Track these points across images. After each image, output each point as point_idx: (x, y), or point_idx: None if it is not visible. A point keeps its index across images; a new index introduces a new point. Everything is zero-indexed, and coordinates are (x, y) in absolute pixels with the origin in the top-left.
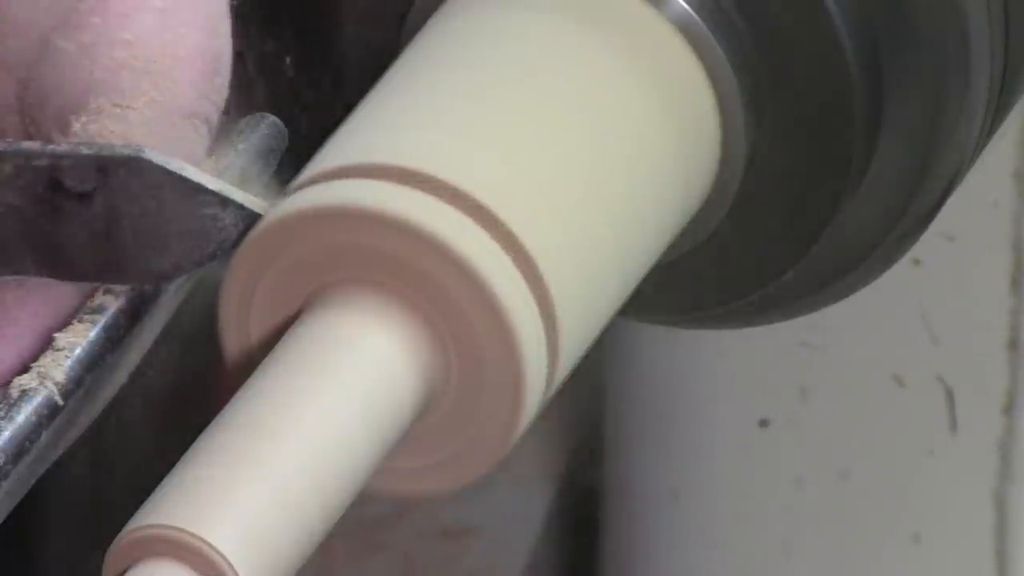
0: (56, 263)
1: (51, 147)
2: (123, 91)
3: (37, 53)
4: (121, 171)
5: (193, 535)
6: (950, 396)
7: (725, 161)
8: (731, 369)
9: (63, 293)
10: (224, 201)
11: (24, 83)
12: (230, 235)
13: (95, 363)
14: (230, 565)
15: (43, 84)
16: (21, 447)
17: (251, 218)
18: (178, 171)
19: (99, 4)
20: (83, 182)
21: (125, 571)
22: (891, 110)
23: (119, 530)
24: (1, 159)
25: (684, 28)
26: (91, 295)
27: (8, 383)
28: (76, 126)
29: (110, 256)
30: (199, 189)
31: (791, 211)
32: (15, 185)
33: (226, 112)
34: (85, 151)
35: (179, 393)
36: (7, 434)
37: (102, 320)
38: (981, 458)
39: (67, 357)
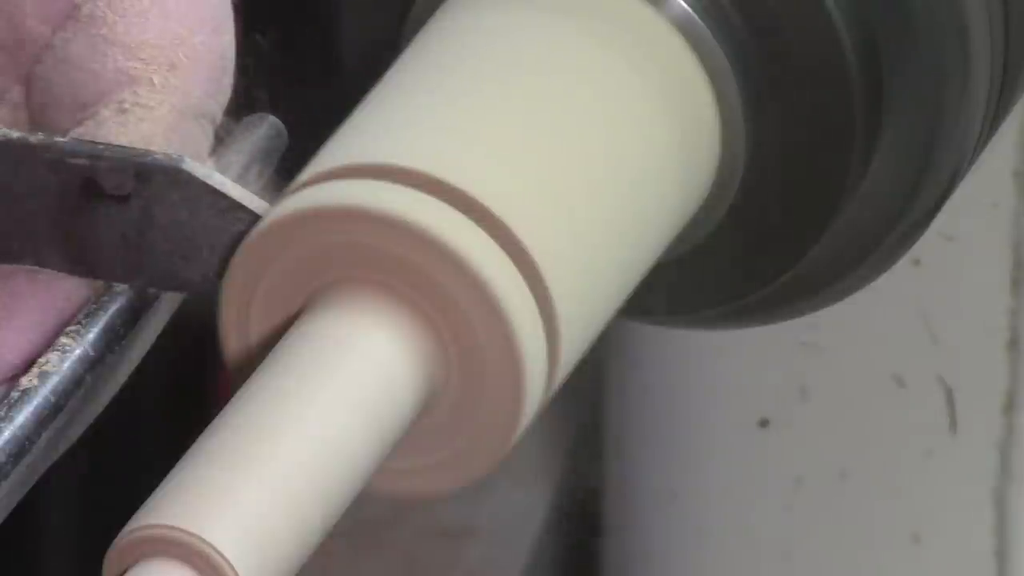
0: (81, 260)
1: (90, 147)
2: (133, 90)
3: (45, 50)
4: (159, 179)
5: (193, 535)
6: (950, 396)
7: (725, 161)
8: (731, 369)
9: (73, 292)
10: (259, 219)
11: (32, 80)
12: None
13: (95, 363)
14: (230, 565)
15: (51, 82)
16: (21, 447)
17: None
18: (217, 186)
19: (109, 3)
20: (120, 186)
21: (125, 571)
22: (891, 110)
23: (118, 531)
24: (38, 151)
25: (684, 28)
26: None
27: (15, 377)
28: (85, 124)
29: (138, 260)
30: (236, 206)
31: (791, 211)
32: (49, 179)
33: (227, 112)
34: (125, 155)
35: (179, 393)
36: (7, 434)
37: (102, 320)
38: (981, 458)
39: (67, 357)
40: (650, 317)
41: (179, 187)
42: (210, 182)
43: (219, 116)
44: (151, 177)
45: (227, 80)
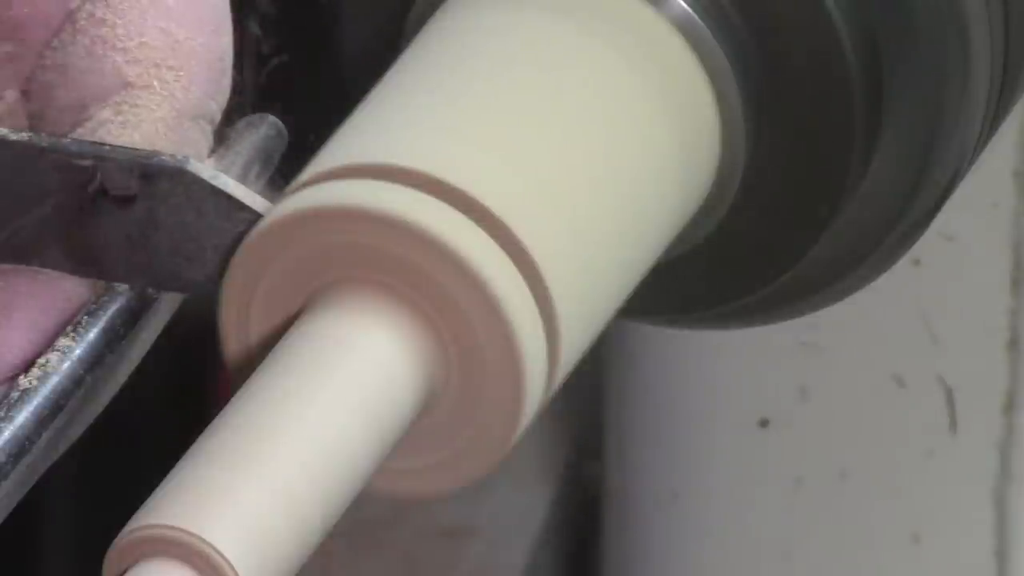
0: (85, 261)
1: (95, 148)
2: (133, 92)
3: (42, 53)
4: (164, 180)
5: (193, 535)
6: (950, 396)
7: (725, 161)
8: (731, 369)
9: (73, 292)
10: (248, 209)
11: (30, 83)
12: None
13: (95, 363)
14: (230, 565)
15: (50, 85)
16: (21, 447)
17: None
18: (222, 187)
19: (108, 5)
20: (124, 187)
21: (125, 571)
22: (891, 110)
23: (119, 531)
24: (43, 152)
25: (684, 28)
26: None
27: (14, 377)
28: (84, 126)
29: (142, 261)
30: (240, 207)
31: (791, 211)
32: (54, 180)
33: (226, 112)
34: (130, 156)
35: (179, 393)
36: (7, 434)
37: (102, 320)
38: (981, 458)
39: (67, 357)
40: (650, 317)
41: (184, 188)
42: (215, 183)
43: (218, 117)
44: (156, 178)
45: (226, 81)
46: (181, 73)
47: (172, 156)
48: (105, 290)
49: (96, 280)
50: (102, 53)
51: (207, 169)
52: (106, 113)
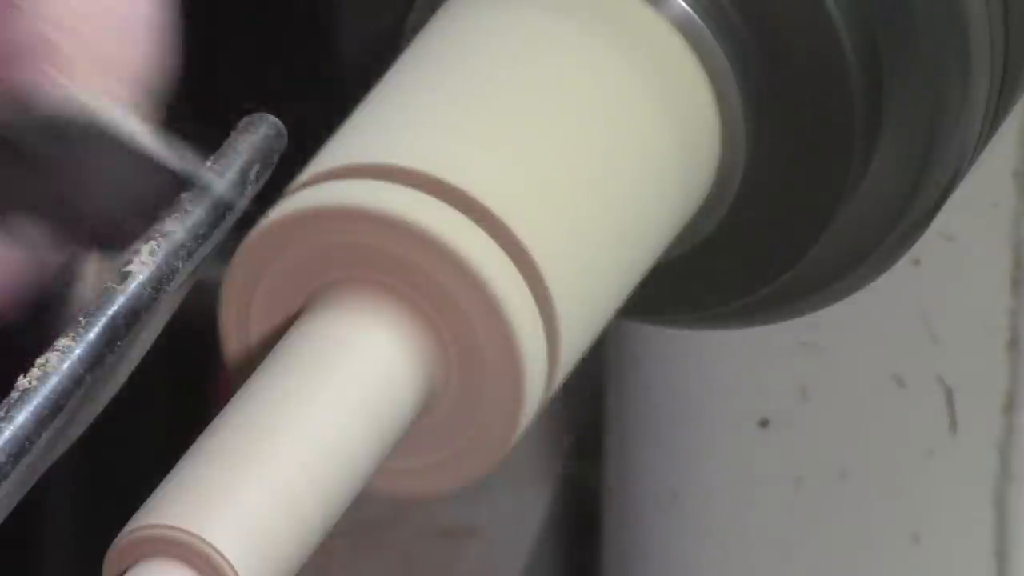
0: (5, 225)
1: (15, 107)
2: (58, 55)
3: None
4: (85, 139)
5: (193, 535)
6: (950, 396)
7: (725, 161)
8: (731, 369)
9: (10, 261)
10: (176, 175)
11: None
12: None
13: (95, 363)
14: (230, 565)
15: None
16: (21, 447)
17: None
18: (141, 145)
19: None
20: (38, 145)
21: (125, 571)
22: (891, 110)
23: (119, 531)
24: None
25: (684, 28)
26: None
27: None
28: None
29: (61, 221)
30: (159, 166)
31: (791, 211)
32: None
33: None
34: (40, 114)
35: (179, 393)
36: (7, 434)
37: (102, 320)
38: (981, 458)
39: (67, 357)
40: (650, 317)
41: (105, 147)
42: (134, 141)
43: (155, 82)
44: (68, 134)
45: (158, 49)
46: (110, 36)
47: (93, 115)
48: (104, 290)
49: (18, 241)
50: (27, 15)
51: (127, 126)
52: (32, 76)
